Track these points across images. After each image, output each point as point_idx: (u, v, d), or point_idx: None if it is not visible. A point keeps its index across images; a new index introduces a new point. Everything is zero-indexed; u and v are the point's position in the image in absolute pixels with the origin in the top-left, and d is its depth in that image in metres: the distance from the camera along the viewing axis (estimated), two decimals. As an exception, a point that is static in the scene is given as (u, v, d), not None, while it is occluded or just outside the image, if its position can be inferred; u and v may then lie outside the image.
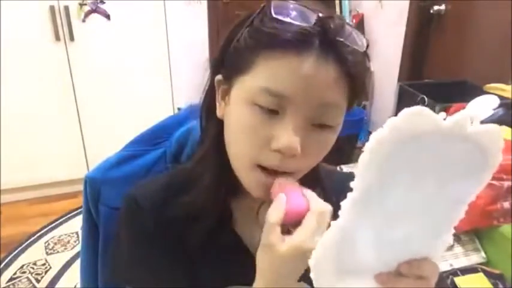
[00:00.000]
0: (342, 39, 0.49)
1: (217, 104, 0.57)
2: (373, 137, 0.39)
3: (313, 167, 0.56)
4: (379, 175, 0.40)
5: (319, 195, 0.54)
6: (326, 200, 0.53)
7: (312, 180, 0.58)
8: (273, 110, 0.50)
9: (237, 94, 0.53)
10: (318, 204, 0.50)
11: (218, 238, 0.61)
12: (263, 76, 0.49)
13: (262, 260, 0.51)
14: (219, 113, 0.57)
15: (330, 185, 0.65)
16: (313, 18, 0.49)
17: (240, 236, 0.63)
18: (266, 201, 0.56)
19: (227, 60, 0.55)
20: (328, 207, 0.50)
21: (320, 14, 0.49)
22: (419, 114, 0.38)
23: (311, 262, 0.45)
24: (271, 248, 0.49)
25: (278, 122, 0.50)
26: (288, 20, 0.48)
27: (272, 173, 0.53)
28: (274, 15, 0.49)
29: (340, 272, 0.46)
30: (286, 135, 0.49)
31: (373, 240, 0.46)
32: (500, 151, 0.43)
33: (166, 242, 0.60)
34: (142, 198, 0.61)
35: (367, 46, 0.52)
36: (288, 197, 0.51)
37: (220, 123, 0.57)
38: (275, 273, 0.50)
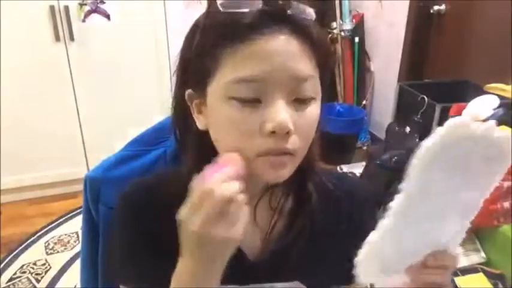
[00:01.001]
0: (292, 13, 0.50)
1: (195, 118, 0.57)
2: (423, 145, 0.46)
3: (308, 146, 0.55)
4: (424, 178, 0.47)
5: (314, 187, 0.57)
6: (320, 192, 0.56)
7: (306, 171, 0.59)
8: (253, 99, 0.50)
9: (212, 97, 0.53)
10: (199, 183, 0.48)
11: None
12: (232, 69, 0.50)
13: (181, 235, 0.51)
14: (200, 125, 0.56)
15: (336, 182, 0.65)
16: (259, 1, 0.50)
17: None
18: (278, 184, 0.57)
19: (192, 72, 0.54)
20: (208, 188, 0.47)
21: None
22: (461, 125, 0.45)
23: (358, 258, 0.50)
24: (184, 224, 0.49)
25: (262, 107, 0.50)
26: (236, 10, 0.49)
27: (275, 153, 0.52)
28: (222, 10, 0.49)
29: (383, 269, 0.52)
30: (276, 114, 0.49)
31: (413, 236, 0.51)
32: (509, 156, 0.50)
33: (156, 240, 0.60)
34: (135, 192, 0.62)
35: (315, 16, 0.54)
36: (205, 173, 0.49)
37: (200, 135, 0.56)
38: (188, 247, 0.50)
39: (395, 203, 0.49)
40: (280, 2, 0.50)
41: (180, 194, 0.57)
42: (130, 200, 0.62)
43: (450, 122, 0.45)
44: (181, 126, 0.60)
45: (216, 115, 0.53)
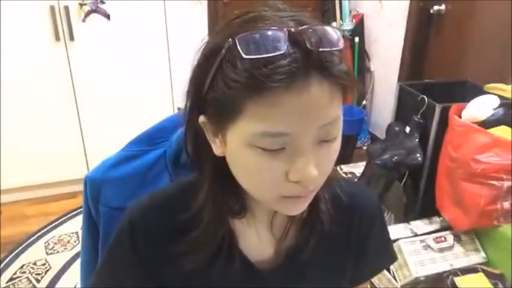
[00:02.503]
0: (322, 49, 0.45)
1: (211, 142, 0.53)
2: None
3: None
4: None
5: (329, 198, 0.57)
6: (335, 202, 0.55)
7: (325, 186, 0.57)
8: (279, 149, 0.47)
9: (232, 139, 0.49)
10: None
11: (221, 257, 0.59)
12: (255, 122, 0.45)
13: None
14: (216, 151, 0.53)
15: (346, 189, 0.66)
16: (284, 38, 0.44)
17: (242, 251, 0.61)
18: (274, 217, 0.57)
19: (208, 107, 0.50)
20: None
21: (292, 29, 0.45)
22: None
23: None
24: None
25: (287, 156, 0.48)
26: (261, 56, 0.43)
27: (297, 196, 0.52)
28: (245, 56, 0.44)
29: None
30: (301, 167, 0.47)
31: None
32: None
33: (166, 257, 0.59)
34: (138, 218, 0.59)
35: (343, 36, 0.49)
36: None
37: (217, 158, 0.54)
38: None
39: None
40: (310, 31, 0.45)
41: (197, 223, 0.56)
42: (136, 225, 0.59)
43: None
44: (196, 149, 0.57)
45: (236, 157, 0.50)
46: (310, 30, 0.45)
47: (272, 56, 0.43)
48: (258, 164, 0.48)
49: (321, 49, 0.44)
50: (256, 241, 0.62)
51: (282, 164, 0.48)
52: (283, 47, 0.43)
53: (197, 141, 0.55)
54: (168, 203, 0.61)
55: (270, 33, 0.44)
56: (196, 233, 0.57)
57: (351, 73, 0.49)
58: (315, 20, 0.49)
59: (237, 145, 0.49)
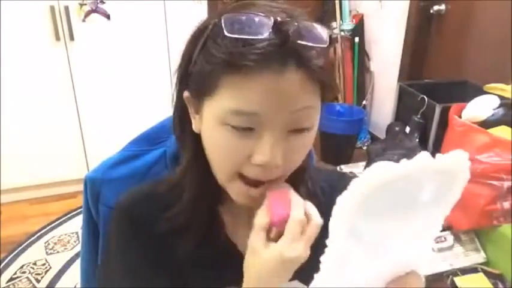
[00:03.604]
0: (303, 43, 0.47)
1: (192, 117, 0.56)
2: (339, 199, 0.42)
3: (296, 167, 0.56)
4: (352, 228, 0.43)
5: (305, 195, 0.55)
6: (311, 199, 0.54)
7: (296, 180, 0.58)
8: (247, 128, 0.49)
9: (207, 115, 0.52)
10: (297, 213, 0.50)
11: (210, 244, 0.61)
12: (229, 98, 0.48)
13: (247, 262, 0.52)
14: (195, 127, 0.56)
15: (322, 185, 0.66)
16: (268, 25, 0.46)
17: (232, 239, 0.63)
18: (253, 207, 0.57)
19: (191, 81, 0.53)
20: (302, 217, 0.50)
21: (278, 18, 0.47)
22: (379, 169, 0.41)
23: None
24: (255, 252, 0.50)
25: (254, 137, 0.50)
26: (242, 36, 0.46)
27: (254, 182, 0.53)
28: (226, 34, 0.47)
29: None
30: (266, 150, 0.49)
31: (362, 268, 0.48)
32: (468, 172, 0.46)
33: (153, 251, 0.60)
34: (131, 203, 0.61)
35: (330, 37, 0.51)
36: (273, 202, 0.52)
37: (197, 136, 0.56)
38: (257, 277, 0.51)
39: (326, 257, 0.45)
40: (295, 24, 0.47)
41: (178, 201, 0.57)
42: (128, 211, 0.61)
43: (368, 169, 0.41)
44: (180, 124, 0.60)
45: (208, 133, 0.53)
46: (296, 23, 0.47)
47: (252, 39, 0.46)
48: (226, 141, 0.50)
49: (299, 41, 0.47)
50: (244, 230, 0.62)
51: (248, 145, 0.50)
52: (265, 33, 0.46)
53: (182, 116, 0.58)
54: (152, 189, 0.63)
55: (256, 18, 0.47)
56: (176, 209, 0.59)
57: (328, 71, 0.52)
58: (309, 18, 0.51)
59: (210, 121, 0.51)
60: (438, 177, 0.45)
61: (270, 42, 0.46)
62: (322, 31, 0.49)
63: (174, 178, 0.61)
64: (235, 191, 0.55)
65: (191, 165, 0.59)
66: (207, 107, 0.52)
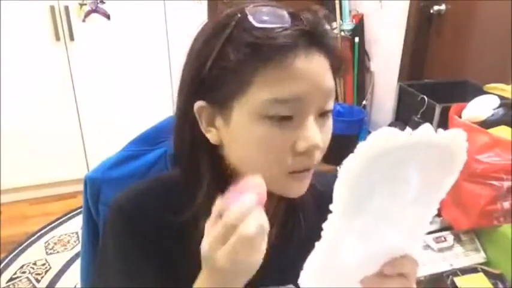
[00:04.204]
0: (325, 29, 0.52)
1: (204, 131, 0.55)
2: (345, 162, 0.42)
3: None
4: (355, 194, 0.43)
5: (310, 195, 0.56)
6: (315, 200, 0.56)
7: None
8: (285, 116, 0.50)
9: (238, 116, 0.51)
10: (229, 214, 0.44)
11: None
12: (266, 89, 0.49)
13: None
14: (213, 140, 0.55)
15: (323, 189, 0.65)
16: (285, 15, 0.50)
17: None
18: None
19: (211, 84, 0.51)
20: (231, 220, 0.44)
21: (290, 10, 0.51)
22: (385, 134, 0.41)
23: (300, 279, 0.47)
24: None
25: (294, 126, 0.50)
26: (270, 25, 0.49)
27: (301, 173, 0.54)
28: (257, 25, 0.49)
29: (335, 280, 0.49)
30: (310, 134, 0.50)
31: (357, 249, 0.48)
32: (465, 152, 0.47)
33: (153, 246, 0.59)
34: (128, 201, 0.60)
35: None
36: (230, 198, 0.47)
37: (213, 149, 0.55)
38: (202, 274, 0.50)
39: (327, 225, 0.44)
40: (313, 14, 0.51)
41: (176, 202, 0.57)
42: (123, 209, 0.61)
43: (372, 134, 0.41)
44: (185, 138, 0.58)
45: (243, 133, 0.52)
46: (309, 13, 0.51)
47: (278, 27, 0.48)
48: (266, 136, 0.50)
49: (318, 28, 0.51)
50: None
51: (290, 134, 0.50)
52: (288, 21, 0.49)
53: (194, 133, 0.56)
54: (147, 186, 0.63)
55: (276, 9, 0.50)
56: (182, 205, 0.57)
57: (340, 49, 0.56)
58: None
59: (244, 121, 0.51)
60: (437, 152, 0.45)
61: (295, 29, 0.49)
62: (328, 20, 0.54)
63: (174, 175, 0.61)
64: (289, 186, 0.54)
65: (211, 185, 0.56)
66: (237, 109, 0.51)
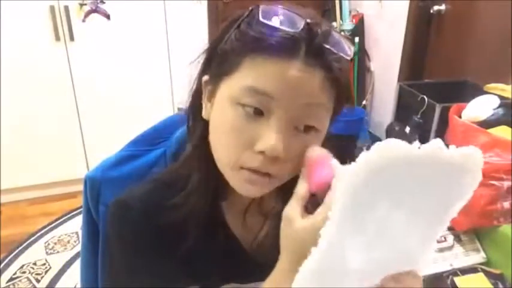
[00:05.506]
0: (327, 46, 0.50)
1: (203, 104, 0.57)
2: (346, 169, 0.41)
3: (296, 173, 0.54)
4: (354, 203, 0.42)
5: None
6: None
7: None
8: (257, 110, 0.50)
9: (222, 95, 0.53)
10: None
11: (211, 239, 0.61)
12: (249, 76, 0.50)
13: (282, 233, 0.50)
14: (204, 114, 0.57)
15: None
16: (300, 24, 0.50)
17: (233, 235, 0.63)
18: (255, 198, 0.57)
19: (214, 62, 0.55)
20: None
21: (308, 20, 0.50)
22: (390, 147, 0.40)
23: (295, 282, 0.44)
24: (290, 222, 0.48)
25: (263, 123, 0.50)
26: (275, 24, 0.49)
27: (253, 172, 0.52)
28: (261, 19, 0.50)
29: None
30: (271, 136, 0.49)
31: (355, 260, 0.46)
32: (481, 172, 0.44)
33: (157, 243, 0.59)
34: (130, 199, 0.61)
35: (354, 53, 0.53)
36: (314, 169, 0.49)
37: (205, 124, 0.57)
38: (291, 248, 0.49)
39: (323, 232, 0.43)
40: (324, 29, 0.50)
41: (177, 194, 0.57)
42: (124, 208, 0.61)
43: (378, 144, 0.40)
44: (192, 112, 0.61)
45: (218, 115, 0.54)
46: (326, 28, 0.51)
47: (283, 29, 0.49)
48: (234, 122, 0.51)
49: (325, 44, 0.50)
50: (246, 226, 0.62)
51: (255, 130, 0.50)
52: (296, 29, 0.49)
53: (196, 103, 0.59)
54: (147, 185, 0.63)
55: (291, 14, 0.50)
56: (178, 200, 0.58)
57: (346, 80, 0.54)
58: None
59: (223, 102, 0.52)
60: (448, 169, 0.43)
61: (299, 36, 0.49)
62: (347, 45, 0.52)
63: (176, 166, 0.62)
64: (237, 179, 0.54)
65: (195, 154, 0.59)
66: (223, 88, 0.53)
